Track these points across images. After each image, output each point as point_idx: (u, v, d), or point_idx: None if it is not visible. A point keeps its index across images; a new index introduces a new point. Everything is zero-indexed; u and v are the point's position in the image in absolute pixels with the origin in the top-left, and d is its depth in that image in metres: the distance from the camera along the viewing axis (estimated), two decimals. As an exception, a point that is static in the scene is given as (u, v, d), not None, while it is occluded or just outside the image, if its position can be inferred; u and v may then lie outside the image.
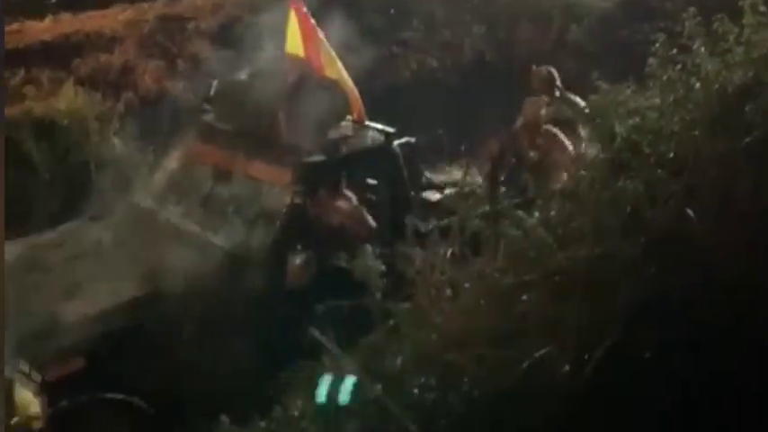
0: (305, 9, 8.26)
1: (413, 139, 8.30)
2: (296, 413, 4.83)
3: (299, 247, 7.27)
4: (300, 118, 7.98)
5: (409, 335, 5.01)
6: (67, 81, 11.64)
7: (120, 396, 6.06)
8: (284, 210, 7.57)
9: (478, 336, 4.79)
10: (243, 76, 8.51)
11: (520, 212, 5.05)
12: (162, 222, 8.01)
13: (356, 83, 8.37)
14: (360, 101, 8.34)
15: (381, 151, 8.07)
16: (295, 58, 8.32)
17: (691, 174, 4.79)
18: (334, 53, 8.25)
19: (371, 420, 4.57)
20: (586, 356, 4.51)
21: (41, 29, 13.61)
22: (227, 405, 5.10)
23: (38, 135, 10.40)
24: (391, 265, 5.25)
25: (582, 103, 8.70)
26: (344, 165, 7.82)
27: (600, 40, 13.76)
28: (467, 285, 5.03)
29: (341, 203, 7.52)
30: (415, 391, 4.67)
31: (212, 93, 8.72)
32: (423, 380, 4.73)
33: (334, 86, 8.27)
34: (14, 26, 13.18)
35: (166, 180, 8.54)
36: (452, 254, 5.14)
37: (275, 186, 7.76)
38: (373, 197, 7.80)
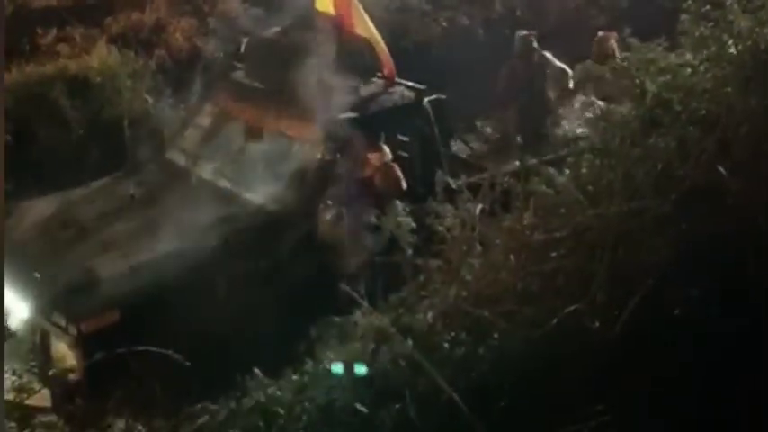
0: (335, -33, 8.25)
1: (443, 96, 8.29)
2: (327, 366, 4.88)
3: (330, 202, 7.31)
4: (330, 75, 7.99)
5: (439, 291, 5.04)
6: (100, 39, 11.69)
7: (155, 348, 6.13)
8: (315, 166, 7.61)
9: (508, 292, 4.82)
10: (273, 33, 8.52)
11: (550, 169, 5.06)
12: (194, 178, 8.07)
13: (386, 40, 8.36)
14: (390, 58, 8.33)
15: (412, 108, 8.08)
16: (325, 16, 8.31)
17: (722, 130, 4.77)
18: (363, 10, 8.24)
19: (402, 375, 4.62)
20: (616, 313, 4.53)
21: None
22: (260, 358, 5.16)
23: (71, 92, 10.49)
24: (422, 222, 5.28)
25: (559, 63, 9.20)
26: (375, 122, 7.83)
27: (631, -5, 13.60)
28: (497, 242, 5.05)
29: (373, 159, 7.54)
30: (446, 345, 4.70)
31: (243, 50, 8.74)
32: (453, 335, 4.76)
33: (364, 44, 8.27)
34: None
35: (198, 137, 8.59)
36: (483, 210, 5.16)
37: (306, 143, 7.79)
38: (404, 154, 7.82)
